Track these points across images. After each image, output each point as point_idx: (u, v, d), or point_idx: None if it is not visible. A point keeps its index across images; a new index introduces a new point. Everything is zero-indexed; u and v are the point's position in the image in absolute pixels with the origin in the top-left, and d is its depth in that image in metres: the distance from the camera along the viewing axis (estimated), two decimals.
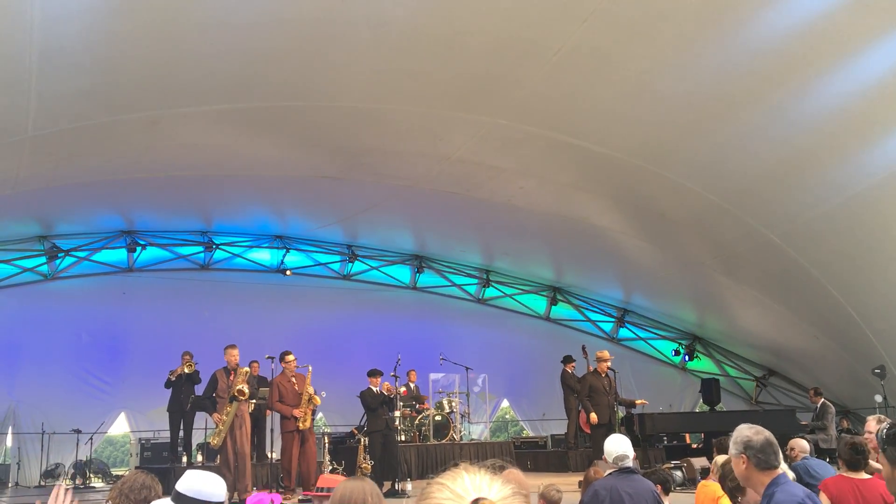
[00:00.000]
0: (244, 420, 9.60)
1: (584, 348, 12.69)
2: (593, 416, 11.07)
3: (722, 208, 11.44)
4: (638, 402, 11.72)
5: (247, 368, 9.77)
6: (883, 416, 6.47)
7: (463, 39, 8.36)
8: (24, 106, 8.50)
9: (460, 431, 13.53)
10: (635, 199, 12.13)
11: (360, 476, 2.93)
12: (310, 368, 10.13)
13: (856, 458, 4.64)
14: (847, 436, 5.17)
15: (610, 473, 4.76)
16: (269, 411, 11.65)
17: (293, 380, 10.02)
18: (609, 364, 11.31)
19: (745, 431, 3.49)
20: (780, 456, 3.49)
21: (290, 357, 10.09)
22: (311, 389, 9.99)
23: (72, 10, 7.19)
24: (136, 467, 11.39)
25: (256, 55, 8.50)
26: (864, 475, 4.60)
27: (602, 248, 14.47)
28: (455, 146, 11.00)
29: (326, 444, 11.28)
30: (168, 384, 12.09)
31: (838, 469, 4.94)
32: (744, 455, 3.46)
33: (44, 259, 14.68)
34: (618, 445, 4.76)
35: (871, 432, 6.33)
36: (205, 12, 7.62)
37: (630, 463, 4.73)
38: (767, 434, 3.49)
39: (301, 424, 9.80)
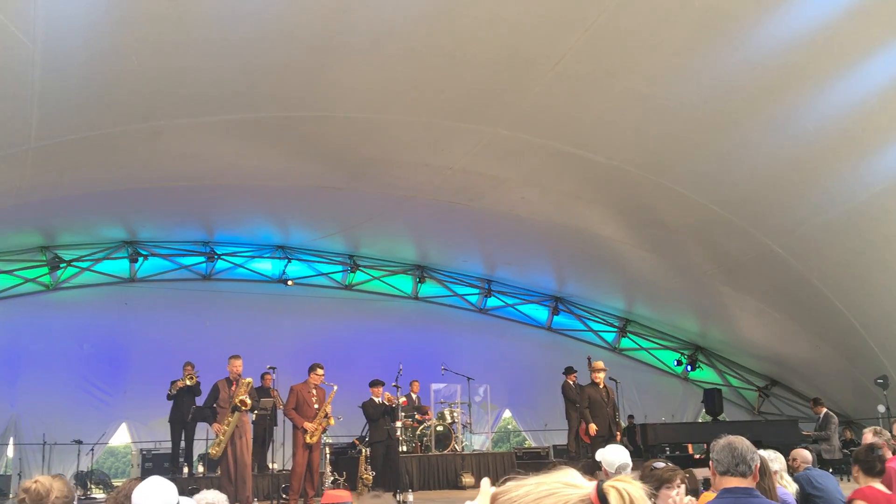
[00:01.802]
0: (245, 430, 9.58)
1: (589, 359, 12.65)
2: (592, 428, 11.01)
3: (723, 218, 11.45)
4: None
5: (249, 379, 9.75)
6: (880, 428, 6.44)
7: (464, 50, 8.39)
8: (27, 117, 8.53)
9: (462, 442, 13.49)
10: (637, 208, 12.14)
11: None
12: (335, 388, 10.10)
13: (872, 459, 4.48)
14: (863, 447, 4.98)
15: None
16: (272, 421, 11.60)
17: (314, 392, 9.98)
18: (603, 375, 11.22)
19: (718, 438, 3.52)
20: (744, 466, 3.41)
21: (321, 371, 10.03)
22: (329, 409, 9.97)
23: (75, 23, 7.22)
24: (136, 478, 11.35)
25: (259, 66, 8.53)
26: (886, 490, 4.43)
27: (604, 257, 14.48)
28: (457, 156, 11.02)
29: (328, 455, 11.25)
30: (170, 396, 12.09)
31: (852, 479, 4.79)
32: (711, 461, 3.50)
33: (46, 269, 14.67)
34: (619, 456, 4.75)
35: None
36: (206, 23, 7.65)
37: (630, 473, 4.72)
38: (734, 440, 3.46)
39: (308, 438, 9.77)
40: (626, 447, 5.37)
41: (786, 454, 5.59)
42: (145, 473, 12.40)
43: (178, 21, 7.56)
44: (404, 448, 12.39)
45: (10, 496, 13.22)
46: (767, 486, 4.67)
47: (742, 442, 3.46)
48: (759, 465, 3.45)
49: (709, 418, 16.13)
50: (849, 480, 10.72)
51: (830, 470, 10.42)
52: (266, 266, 16.75)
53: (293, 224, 15.46)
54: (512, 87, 9.13)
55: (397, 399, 11.26)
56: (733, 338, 16.65)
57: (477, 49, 8.37)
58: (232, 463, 9.40)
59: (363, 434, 12.50)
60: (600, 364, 11.37)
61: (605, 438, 10.89)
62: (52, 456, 13.29)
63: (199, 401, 11.56)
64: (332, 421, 10.08)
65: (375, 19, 7.79)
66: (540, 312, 18.40)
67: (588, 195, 12.11)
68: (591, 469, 10.67)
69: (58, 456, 13.42)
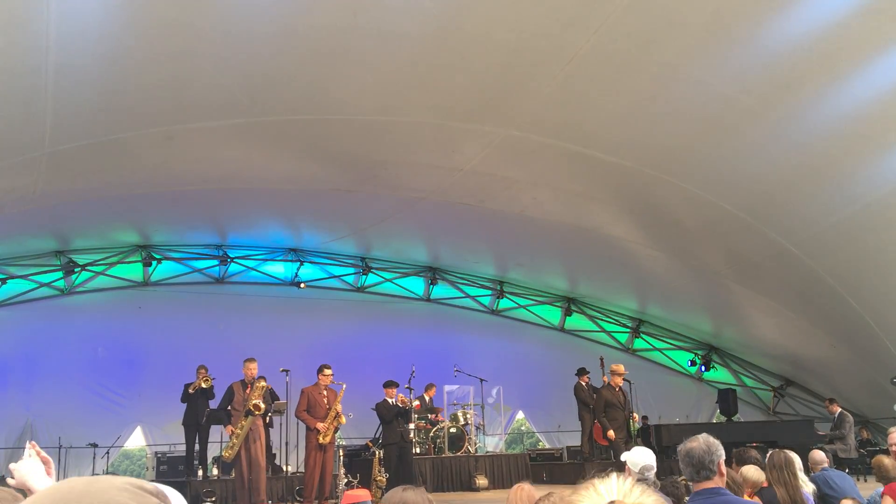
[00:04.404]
0: (259, 433, 9.61)
1: (601, 360, 12.62)
2: (611, 434, 11.02)
3: (737, 217, 11.39)
4: (635, 417, 11.69)
5: (263, 382, 9.78)
6: None
7: (474, 52, 8.39)
8: (41, 122, 8.59)
9: (475, 444, 13.48)
10: (649, 208, 12.09)
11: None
12: (343, 386, 10.14)
13: None
14: None
15: None
16: (270, 419, 11.58)
17: (324, 393, 10.02)
18: (623, 378, 11.26)
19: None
20: (706, 471, 3.27)
21: (328, 371, 10.09)
22: (339, 407, 10.00)
23: (86, 29, 7.26)
24: (152, 481, 11.41)
25: (270, 70, 8.56)
26: None
27: (616, 257, 14.43)
28: (468, 157, 11.01)
29: (341, 457, 11.26)
30: (184, 398, 12.14)
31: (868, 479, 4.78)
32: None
33: (60, 274, 14.79)
34: (644, 457, 4.76)
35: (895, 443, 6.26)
36: (218, 26, 7.68)
37: (653, 475, 4.72)
38: (690, 447, 3.29)
39: (321, 439, 9.79)
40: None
41: (802, 454, 5.56)
42: (160, 476, 12.47)
43: (189, 26, 7.59)
44: (418, 450, 12.39)
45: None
46: (786, 480, 4.69)
47: (698, 445, 3.31)
48: (722, 460, 3.31)
49: (723, 419, 16.04)
50: (865, 480, 10.65)
51: (847, 470, 10.33)
52: (278, 269, 16.81)
53: (305, 227, 15.50)
54: (522, 88, 9.12)
55: (411, 401, 11.26)
56: (747, 338, 16.56)
57: (486, 50, 8.36)
58: (246, 466, 9.43)
59: (376, 436, 12.51)
60: (621, 368, 11.35)
61: (623, 441, 10.87)
62: (68, 459, 13.36)
63: (214, 403, 11.61)
64: (343, 419, 10.11)
65: (384, 21, 7.80)
66: (552, 313, 18.35)
67: (600, 195, 12.08)
68: (611, 470, 10.66)
69: (73, 459, 13.50)
